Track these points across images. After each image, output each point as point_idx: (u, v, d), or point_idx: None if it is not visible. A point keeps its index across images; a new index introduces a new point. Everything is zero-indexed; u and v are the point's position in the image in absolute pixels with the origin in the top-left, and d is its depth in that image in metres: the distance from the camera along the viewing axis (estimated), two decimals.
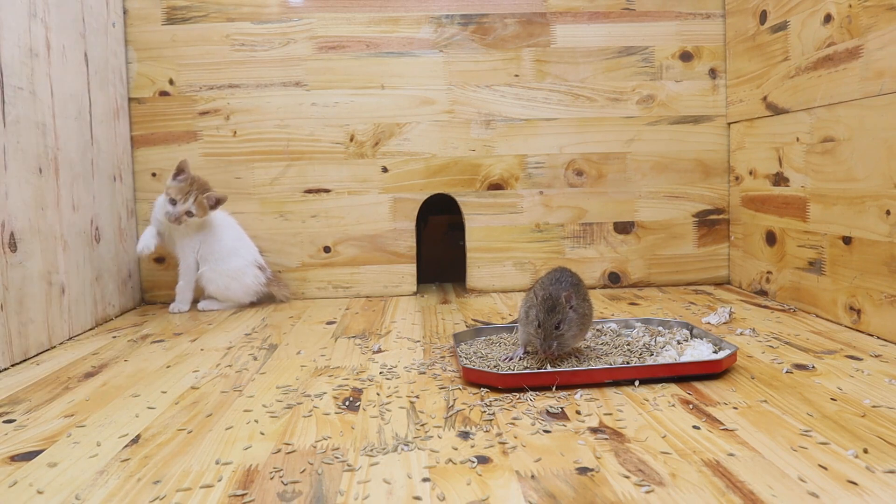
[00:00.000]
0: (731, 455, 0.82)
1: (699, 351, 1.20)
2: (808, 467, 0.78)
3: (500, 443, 0.87)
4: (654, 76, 1.99)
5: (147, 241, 1.77)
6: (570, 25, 1.98)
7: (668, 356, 1.18)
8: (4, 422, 0.99)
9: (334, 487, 0.76)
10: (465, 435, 0.90)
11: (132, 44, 1.92)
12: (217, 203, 1.78)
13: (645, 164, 2.00)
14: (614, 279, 2.02)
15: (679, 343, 1.26)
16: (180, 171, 1.75)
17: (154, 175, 1.94)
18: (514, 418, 0.96)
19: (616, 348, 1.24)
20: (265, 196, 1.96)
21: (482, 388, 1.09)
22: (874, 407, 0.96)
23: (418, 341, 1.42)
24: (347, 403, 1.04)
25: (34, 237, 1.39)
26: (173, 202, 1.72)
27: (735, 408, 0.97)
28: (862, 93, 1.37)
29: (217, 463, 0.83)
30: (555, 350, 1.12)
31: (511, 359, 1.17)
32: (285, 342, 1.44)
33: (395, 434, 0.91)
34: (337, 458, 0.84)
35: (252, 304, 1.89)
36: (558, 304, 1.11)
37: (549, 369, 1.10)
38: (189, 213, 1.73)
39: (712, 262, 2.03)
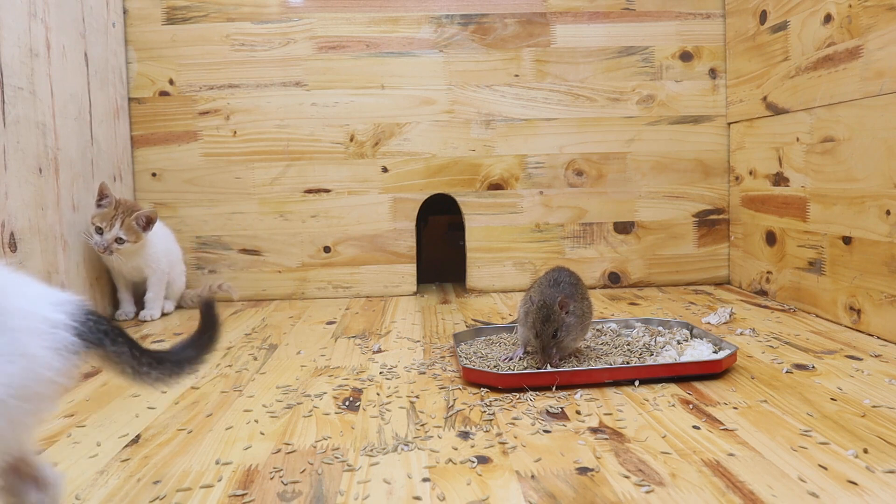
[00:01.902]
0: (731, 455, 0.82)
1: (699, 351, 1.20)
2: (808, 467, 0.78)
3: (500, 443, 0.87)
4: (654, 76, 1.99)
5: (126, 309, 1.73)
6: (570, 25, 1.98)
7: (668, 356, 1.18)
8: None
9: (334, 487, 0.76)
10: (465, 435, 0.90)
11: (132, 44, 1.92)
12: (148, 222, 1.64)
13: (645, 164, 2.00)
14: (614, 279, 2.02)
15: (679, 343, 1.26)
16: (102, 195, 1.61)
17: (154, 175, 1.94)
18: (514, 418, 0.96)
19: (616, 348, 1.24)
20: (265, 196, 1.97)
21: (482, 388, 1.09)
22: (874, 407, 0.96)
23: (418, 341, 1.42)
24: (347, 403, 1.04)
25: (34, 237, 1.39)
26: (99, 230, 1.58)
27: (735, 408, 0.97)
28: (862, 93, 1.37)
29: (217, 463, 0.83)
30: (554, 356, 1.12)
31: (511, 359, 1.17)
32: (285, 342, 1.44)
33: (395, 434, 0.91)
34: (337, 458, 0.84)
35: (252, 304, 1.89)
36: (553, 313, 1.11)
37: (549, 369, 1.10)
38: (119, 240, 1.59)
39: (712, 262, 2.03)
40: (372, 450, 0.86)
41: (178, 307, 1.84)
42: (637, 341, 1.27)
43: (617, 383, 1.10)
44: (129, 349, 0.63)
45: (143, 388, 0.67)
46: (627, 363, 1.15)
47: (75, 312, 0.58)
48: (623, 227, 2.02)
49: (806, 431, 0.88)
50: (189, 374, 0.69)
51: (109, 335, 0.61)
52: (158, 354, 0.66)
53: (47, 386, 0.54)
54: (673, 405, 0.99)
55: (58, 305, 0.58)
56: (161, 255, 1.73)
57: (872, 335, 1.35)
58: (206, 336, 0.71)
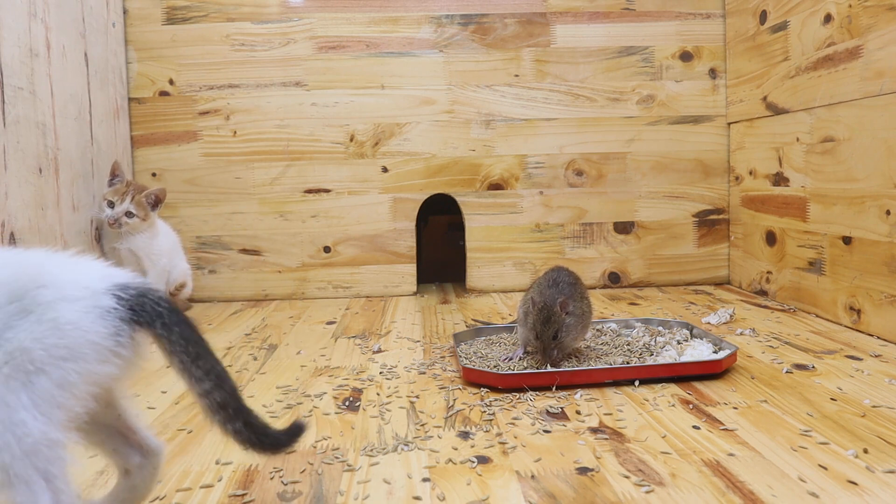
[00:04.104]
0: (731, 455, 0.82)
1: (699, 351, 1.20)
2: (808, 467, 0.78)
3: (500, 443, 0.87)
4: (654, 76, 1.99)
5: None
6: (570, 25, 1.98)
7: (668, 356, 1.18)
8: None
9: (334, 487, 0.76)
10: (465, 435, 0.90)
11: (132, 44, 1.92)
12: (157, 201, 1.68)
13: (645, 164, 2.00)
14: (614, 279, 2.02)
15: (679, 343, 1.26)
16: (114, 173, 1.67)
17: (154, 175, 1.94)
18: (514, 418, 0.96)
19: (616, 348, 1.24)
20: (265, 196, 1.97)
21: (482, 388, 1.09)
22: (874, 407, 0.96)
23: (418, 341, 1.42)
24: (347, 403, 1.04)
25: (34, 237, 1.39)
26: (111, 204, 1.63)
27: (735, 408, 0.97)
28: (862, 93, 1.37)
29: (217, 463, 0.83)
30: (556, 357, 1.12)
31: (511, 359, 1.17)
32: (285, 342, 1.44)
33: (395, 434, 0.91)
34: (337, 458, 0.84)
35: (252, 304, 1.90)
36: (554, 314, 1.11)
37: (549, 369, 1.10)
38: (129, 214, 1.63)
39: (712, 262, 2.03)
40: (372, 450, 0.86)
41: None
42: (637, 341, 1.27)
43: (617, 383, 1.10)
44: (185, 343, 0.62)
45: (191, 392, 0.64)
46: (627, 363, 1.15)
47: (123, 284, 0.62)
48: (623, 227, 2.02)
49: (806, 431, 0.88)
50: (233, 431, 0.64)
51: (164, 317, 0.62)
52: (228, 382, 0.64)
53: (89, 347, 0.58)
54: (673, 405, 0.99)
55: (105, 278, 0.62)
56: (163, 250, 1.74)
57: (872, 335, 1.35)
58: (281, 435, 0.67)
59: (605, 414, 0.97)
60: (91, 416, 0.62)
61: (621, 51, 1.98)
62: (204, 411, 0.63)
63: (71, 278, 0.60)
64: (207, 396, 0.63)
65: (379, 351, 1.35)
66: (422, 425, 0.94)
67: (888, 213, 1.31)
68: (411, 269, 2.00)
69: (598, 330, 1.37)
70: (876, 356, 1.21)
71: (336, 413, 1.00)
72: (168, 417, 1.00)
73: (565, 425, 0.93)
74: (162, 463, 0.69)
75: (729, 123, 1.99)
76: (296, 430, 0.68)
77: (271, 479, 0.79)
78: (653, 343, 1.25)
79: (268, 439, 0.65)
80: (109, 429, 0.66)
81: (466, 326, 1.53)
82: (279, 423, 0.95)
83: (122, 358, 0.61)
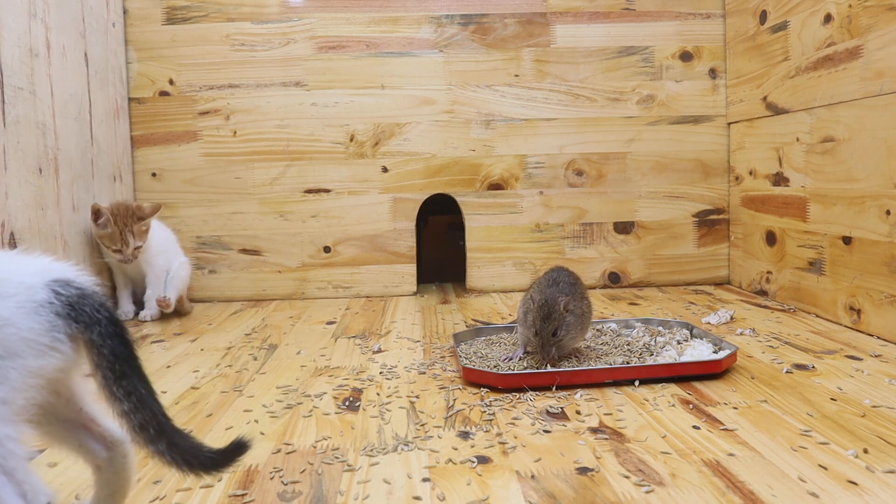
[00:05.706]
0: (731, 455, 0.82)
1: (699, 351, 1.20)
2: (808, 467, 0.78)
3: (500, 443, 0.87)
4: (654, 76, 1.99)
5: (126, 308, 1.74)
6: (570, 25, 1.98)
7: (668, 356, 1.18)
8: None
9: (334, 487, 0.76)
10: (465, 435, 0.90)
11: (132, 44, 1.92)
12: (150, 213, 1.69)
13: (645, 164, 2.00)
14: (614, 279, 2.02)
15: (679, 343, 1.26)
16: (97, 214, 1.62)
17: (154, 175, 1.94)
18: (514, 418, 0.96)
19: (616, 348, 1.24)
20: (265, 196, 1.96)
21: (482, 388, 1.09)
22: (874, 407, 0.96)
23: (418, 341, 1.42)
24: (347, 403, 1.04)
25: (34, 237, 1.39)
26: (117, 251, 1.64)
27: (735, 408, 0.97)
28: (862, 93, 1.37)
29: None
30: (553, 355, 1.12)
31: (511, 359, 1.17)
32: (285, 342, 1.44)
33: (395, 434, 0.91)
34: (337, 458, 0.84)
35: (252, 304, 1.89)
36: (555, 311, 1.11)
37: (549, 369, 1.10)
38: (138, 248, 1.66)
39: (712, 262, 2.03)
40: (372, 450, 0.86)
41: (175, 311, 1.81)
42: (637, 341, 1.27)
43: (617, 383, 1.10)
44: (113, 360, 0.60)
45: (111, 412, 0.61)
46: (627, 363, 1.15)
47: (65, 280, 0.61)
48: (623, 227, 2.01)
49: (806, 431, 0.88)
50: (156, 451, 0.61)
51: (101, 326, 0.60)
52: (151, 403, 0.61)
53: (23, 343, 0.57)
54: (673, 405, 0.99)
55: (44, 272, 0.61)
56: (160, 250, 1.74)
57: (872, 335, 1.35)
58: (216, 455, 0.64)
59: (605, 414, 0.97)
60: (50, 410, 0.62)
61: (621, 51, 1.98)
62: (126, 431, 0.61)
63: (3, 276, 0.59)
64: (126, 417, 0.61)
65: (379, 351, 1.35)
66: (422, 425, 0.94)
67: (888, 213, 1.31)
68: (411, 269, 2.00)
69: (598, 330, 1.37)
70: (876, 356, 1.21)
71: (336, 413, 1.00)
72: None
73: (565, 425, 0.93)
74: (131, 452, 0.67)
75: (729, 123, 1.99)
76: (235, 450, 0.64)
77: (271, 479, 0.79)
78: (653, 343, 1.25)
79: (197, 460, 0.62)
80: (72, 423, 0.65)
81: (466, 326, 1.53)
82: (279, 423, 0.96)
83: (61, 352, 0.59)
